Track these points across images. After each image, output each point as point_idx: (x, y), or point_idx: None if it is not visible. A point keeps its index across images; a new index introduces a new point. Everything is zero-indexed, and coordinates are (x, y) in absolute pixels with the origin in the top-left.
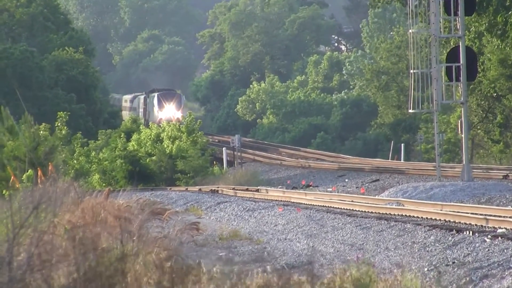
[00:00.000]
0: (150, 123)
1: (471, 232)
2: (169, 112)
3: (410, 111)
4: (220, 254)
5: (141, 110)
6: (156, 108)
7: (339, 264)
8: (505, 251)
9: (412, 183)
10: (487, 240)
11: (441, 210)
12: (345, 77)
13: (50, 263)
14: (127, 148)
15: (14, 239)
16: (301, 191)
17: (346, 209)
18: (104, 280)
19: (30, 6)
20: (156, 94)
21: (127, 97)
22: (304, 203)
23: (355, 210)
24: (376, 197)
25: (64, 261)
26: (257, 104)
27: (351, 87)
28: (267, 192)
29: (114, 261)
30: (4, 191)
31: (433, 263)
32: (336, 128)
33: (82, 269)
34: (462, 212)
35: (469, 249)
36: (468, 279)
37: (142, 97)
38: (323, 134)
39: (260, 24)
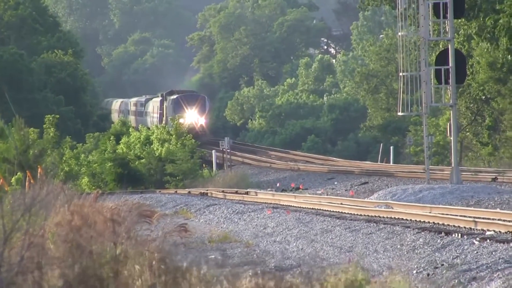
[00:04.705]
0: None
1: (459, 234)
2: (191, 118)
3: (399, 113)
4: (210, 256)
5: (155, 115)
6: (175, 113)
7: (328, 266)
8: (493, 253)
9: (401, 185)
10: (476, 242)
11: (430, 212)
12: (337, 77)
13: (41, 265)
14: (117, 151)
15: (5, 242)
16: (290, 193)
17: (335, 211)
18: (96, 283)
19: (18, 8)
20: (175, 97)
21: (138, 100)
22: (293, 206)
23: (344, 213)
24: (365, 199)
25: (55, 264)
26: (244, 106)
27: (341, 89)
28: (257, 195)
29: (105, 263)
30: None
31: (422, 266)
32: (327, 132)
33: (73, 271)
34: (451, 215)
35: (457, 252)
36: (457, 281)
37: (157, 100)
38: (313, 137)
39: (249, 26)
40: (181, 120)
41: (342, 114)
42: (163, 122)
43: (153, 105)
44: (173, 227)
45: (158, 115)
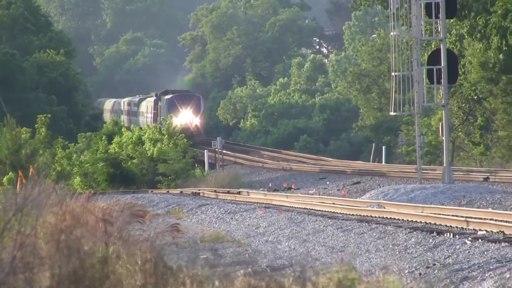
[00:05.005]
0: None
1: (451, 234)
2: (185, 118)
3: (392, 113)
4: (202, 256)
5: (149, 115)
6: (170, 113)
7: (320, 266)
8: (485, 253)
9: (393, 185)
10: (468, 242)
11: (422, 212)
12: (329, 77)
13: (32, 265)
14: (109, 151)
15: None
16: (282, 193)
17: (327, 211)
18: (87, 283)
19: (10, 8)
20: (170, 97)
21: (131, 100)
22: (285, 206)
23: (336, 213)
24: (357, 199)
25: (46, 264)
26: (237, 105)
27: (333, 88)
28: (249, 195)
29: (96, 263)
30: None
31: (414, 265)
32: (319, 132)
33: (65, 271)
34: (442, 214)
35: (449, 251)
36: (448, 281)
37: (151, 100)
38: (306, 137)
39: (241, 26)
40: (175, 120)
41: (333, 114)
42: (158, 122)
43: (147, 105)
44: (165, 227)
45: (152, 115)
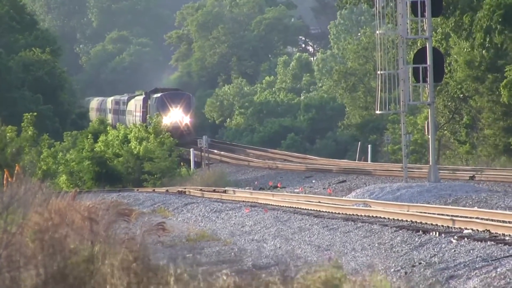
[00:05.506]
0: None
1: (437, 233)
2: (175, 117)
3: (377, 112)
4: (188, 255)
5: (138, 114)
6: (159, 111)
7: (305, 265)
8: (471, 252)
9: (379, 184)
10: (454, 241)
11: (407, 211)
12: (315, 75)
13: (18, 264)
14: (94, 149)
15: None
16: (268, 192)
17: (313, 210)
18: (72, 281)
19: None
20: (160, 95)
21: (120, 98)
22: (271, 204)
23: (322, 211)
24: (343, 198)
25: (32, 263)
26: (225, 101)
27: (318, 87)
28: (235, 193)
29: (81, 262)
30: None
31: (400, 264)
32: (304, 131)
33: (50, 270)
34: (428, 213)
35: (435, 250)
36: (434, 279)
37: (140, 98)
38: (293, 135)
39: (227, 25)
40: (165, 119)
41: (318, 113)
42: (147, 121)
43: (136, 103)
44: (151, 225)
45: (141, 114)
